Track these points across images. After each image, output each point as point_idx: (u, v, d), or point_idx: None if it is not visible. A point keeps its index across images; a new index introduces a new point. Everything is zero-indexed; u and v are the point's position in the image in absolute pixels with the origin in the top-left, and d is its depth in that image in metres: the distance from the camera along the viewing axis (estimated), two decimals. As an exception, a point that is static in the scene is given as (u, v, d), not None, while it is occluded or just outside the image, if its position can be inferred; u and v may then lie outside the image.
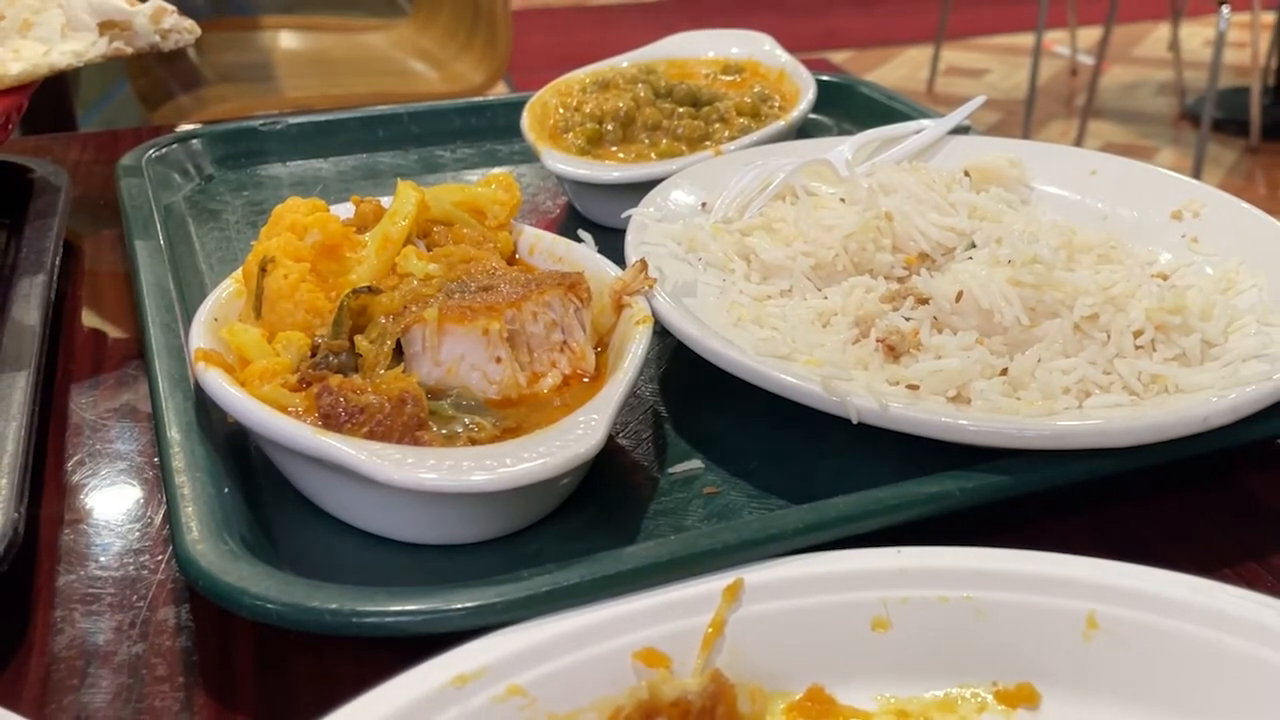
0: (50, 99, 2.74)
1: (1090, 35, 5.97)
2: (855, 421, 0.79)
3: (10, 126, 1.19)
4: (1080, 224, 1.02)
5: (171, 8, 1.23)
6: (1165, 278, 0.96)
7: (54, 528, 0.81)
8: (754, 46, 1.42)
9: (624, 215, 1.03)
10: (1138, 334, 0.85)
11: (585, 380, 0.83)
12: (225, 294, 0.88)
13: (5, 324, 0.96)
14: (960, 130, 1.22)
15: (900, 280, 0.96)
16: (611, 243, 0.97)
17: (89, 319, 1.11)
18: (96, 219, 1.29)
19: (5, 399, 0.85)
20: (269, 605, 0.66)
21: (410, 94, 3.15)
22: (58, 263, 1.08)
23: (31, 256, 1.07)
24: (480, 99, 1.48)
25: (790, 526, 0.72)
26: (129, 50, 1.22)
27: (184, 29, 1.24)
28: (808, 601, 0.67)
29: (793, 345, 0.87)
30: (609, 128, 1.21)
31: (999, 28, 6.91)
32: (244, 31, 3.70)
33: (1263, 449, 0.88)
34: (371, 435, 0.74)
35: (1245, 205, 1.03)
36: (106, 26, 1.20)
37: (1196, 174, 4.35)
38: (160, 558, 0.78)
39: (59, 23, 1.18)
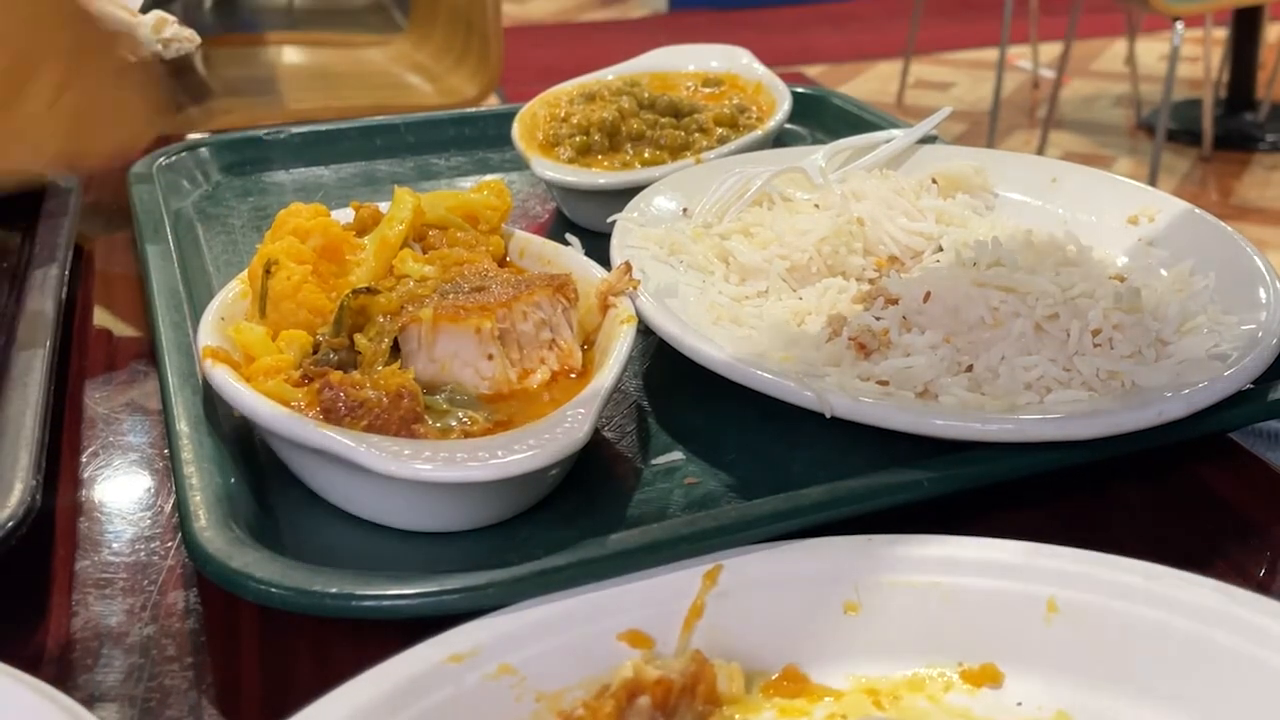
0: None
1: (1051, 50, 5.98)
2: (828, 416, 0.79)
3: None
4: (1041, 228, 1.02)
5: (172, 18, 1.23)
6: (1122, 279, 0.96)
7: (70, 516, 0.81)
8: (732, 60, 1.42)
9: (609, 220, 1.03)
10: (1096, 332, 0.85)
11: (572, 376, 0.83)
12: (231, 294, 0.88)
13: (21, 315, 0.96)
14: (928, 140, 1.22)
15: (871, 282, 0.96)
16: (597, 246, 0.97)
17: (101, 318, 1.10)
18: (109, 223, 1.29)
19: (22, 381, 0.85)
20: (273, 589, 0.66)
21: (407, 106, 3.13)
22: (69, 257, 1.08)
23: (44, 253, 1.07)
24: (473, 110, 1.48)
25: (766, 515, 0.72)
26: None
27: (184, 38, 1.23)
28: (783, 586, 0.67)
29: (769, 343, 0.87)
30: (596, 138, 1.21)
31: (965, 43, 6.91)
32: (249, 47, 3.69)
33: (1215, 442, 0.88)
34: (370, 428, 0.74)
35: (1198, 210, 1.03)
36: (110, 37, 1.20)
37: (1152, 181, 4.36)
38: (170, 544, 0.78)
39: (65, 34, 1.18)
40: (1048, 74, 5.97)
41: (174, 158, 1.29)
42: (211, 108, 3.12)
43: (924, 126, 1.23)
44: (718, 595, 0.67)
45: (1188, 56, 5.75)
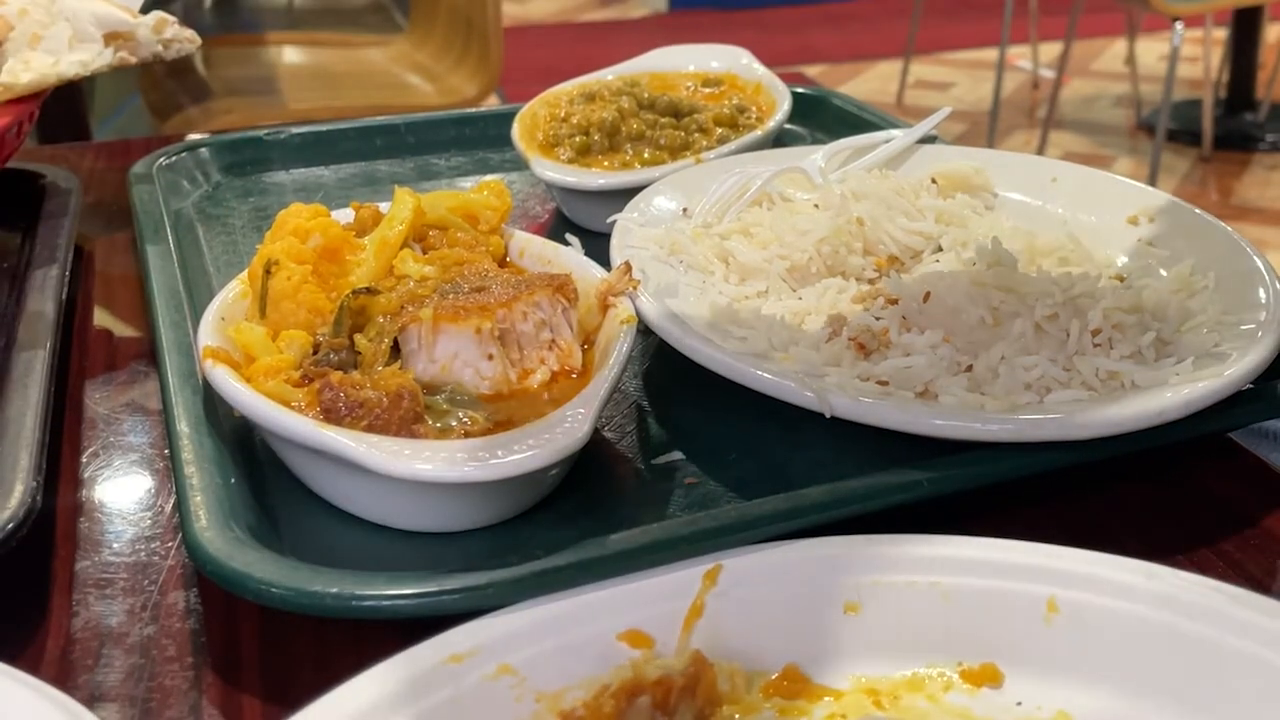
0: (66, 111, 2.73)
1: (1051, 50, 5.98)
2: (829, 416, 0.79)
3: (23, 134, 1.18)
4: (1041, 228, 1.02)
5: (173, 18, 1.23)
6: (1122, 279, 0.96)
7: (71, 516, 0.81)
8: (732, 60, 1.42)
9: (609, 220, 1.03)
10: (1096, 332, 0.85)
11: (572, 376, 0.83)
12: (231, 294, 0.88)
13: (21, 315, 0.96)
14: (928, 140, 1.22)
15: (871, 282, 0.96)
16: (597, 246, 0.97)
17: (102, 319, 1.10)
18: (109, 224, 1.29)
19: (22, 382, 0.86)
20: (273, 589, 0.66)
21: (407, 106, 3.15)
22: (70, 258, 1.08)
23: (45, 253, 1.07)
24: (473, 110, 1.48)
25: (766, 514, 0.72)
26: (133, 60, 1.21)
27: (184, 39, 1.23)
28: (783, 586, 0.67)
29: (769, 343, 0.87)
30: (596, 138, 1.21)
31: (965, 43, 6.91)
32: (250, 47, 3.70)
33: (1214, 442, 0.88)
34: (370, 428, 0.74)
35: (1197, 211, 1.03)
36: (111, 38, 1.20)
37: (1152, 182, 4.36)
38: (170, 544, 0.78)
39: (66, 35, 1.18)
40: (1048, 74, 5.97)
41: (174, 158, 1.29)
42: (211, 108, 3.12)
43: (924, 126, 1.23)
44: (718, 595, 0.67)
45: (1188, 56, 5.75)
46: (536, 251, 0.96)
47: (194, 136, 1.36)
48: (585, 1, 8.37)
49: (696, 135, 1.23)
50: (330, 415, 0.75)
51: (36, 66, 1.15)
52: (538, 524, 0.77)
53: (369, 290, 0.83)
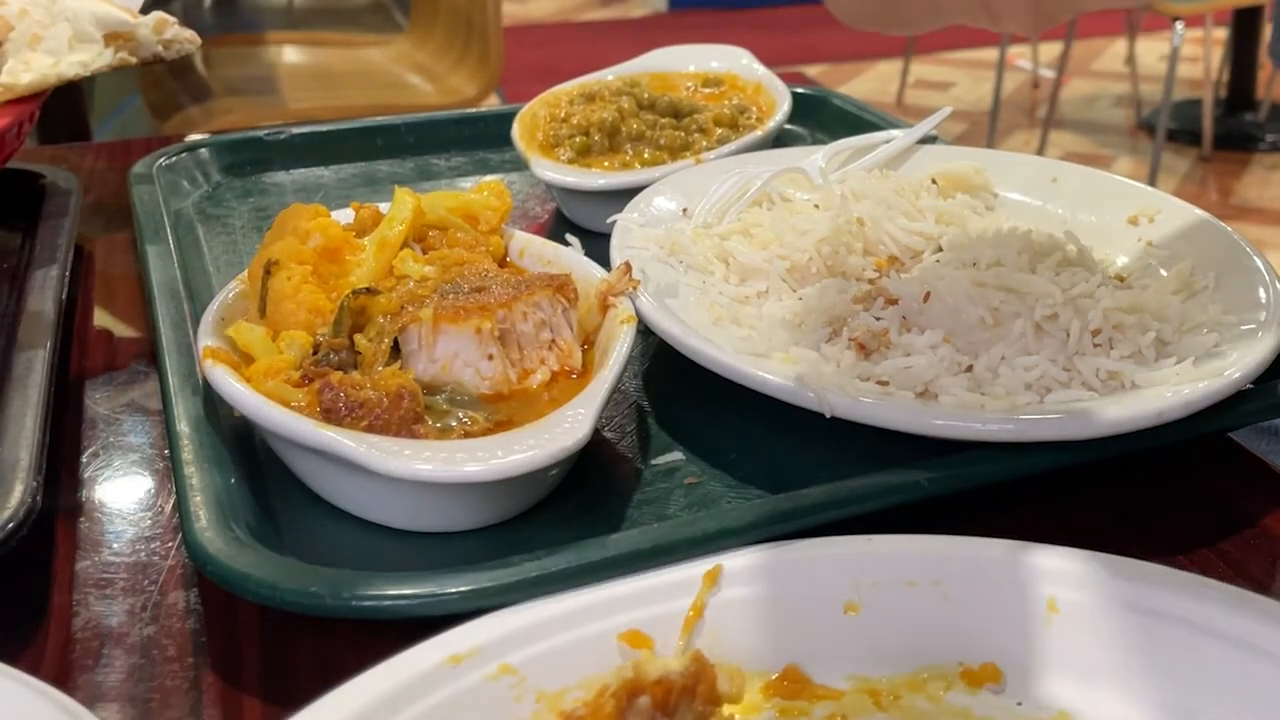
0: (66, 111, 2.73)
1: (1051, 50, 5.98)
2: (829, 416, 0.79)
3: (23, 134, 1.18)
4: (1041, 228, 1.02)
5: (173, 19, 1.23)
6: (1122, 279, 0.96)
7: (71, 516, 0.81)
8: (732, 61, 1.42)
9: (609, 220, 1.03)
10: (1096, 332, 0.85)
11: (573, 376, 0.83)
12: (232, 295, 0.88)
13: (21, 315, 0.96)
14: (928, 140, 1.22)
15: (871, 282, 0.96)
16: (597, 246, 0.97)
17: (101, 319, 1.10)
18: (109, 224, 1.29)
19: (23, 382, 0.86)
20: (273, 589, 0.66)
21: (407, 105, 3.15)
22: (70, 258, 1.08)
23: (45, 253, 1.07)
24: (473, 110, 1.48)
25: (766, 515, 0.72)
26: (134, 60, 1.21)
27: (185, 39, 1.23)
28: (783, 586, 0.67)
29: (769, 344, 0.87)
30: (596, 138, 1.21)
31: (965, 43, 6.91)
32: (250, 47, 3.70)
33: (1215, 442, 0.88)
34: (370, 428, 0.74)
35: (1198, 211, 1.03)
36: (111, 38, 1.20)
37: (1152, 181, 4.36)
38: (170, 545, 0.78)
39: (66, 36, 1.18)
40: (1048, 74, 5.98)
41: (174, 158, 1.29)
42: (212, 108, 3.13)
43: (924, 126, 1.23)
44: (718, 595, 0.67)
45: (1188, 56, 5.75)
46: (536, 251, 0.96)
47: (194, 136, 1.36)
48: (585, 1, 8.37)
49: (696, 135, 1.23)
50: (330, 415, 0.75)
51: (37, 67, 1.15)
52: (538, 524, 0.77)
53: (369, 290, 0.83)
